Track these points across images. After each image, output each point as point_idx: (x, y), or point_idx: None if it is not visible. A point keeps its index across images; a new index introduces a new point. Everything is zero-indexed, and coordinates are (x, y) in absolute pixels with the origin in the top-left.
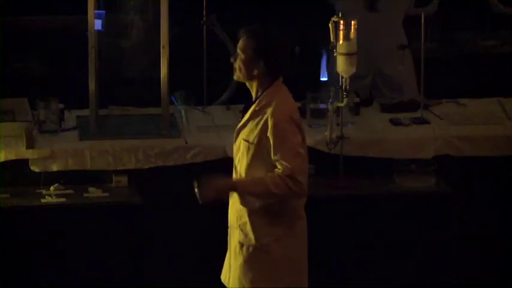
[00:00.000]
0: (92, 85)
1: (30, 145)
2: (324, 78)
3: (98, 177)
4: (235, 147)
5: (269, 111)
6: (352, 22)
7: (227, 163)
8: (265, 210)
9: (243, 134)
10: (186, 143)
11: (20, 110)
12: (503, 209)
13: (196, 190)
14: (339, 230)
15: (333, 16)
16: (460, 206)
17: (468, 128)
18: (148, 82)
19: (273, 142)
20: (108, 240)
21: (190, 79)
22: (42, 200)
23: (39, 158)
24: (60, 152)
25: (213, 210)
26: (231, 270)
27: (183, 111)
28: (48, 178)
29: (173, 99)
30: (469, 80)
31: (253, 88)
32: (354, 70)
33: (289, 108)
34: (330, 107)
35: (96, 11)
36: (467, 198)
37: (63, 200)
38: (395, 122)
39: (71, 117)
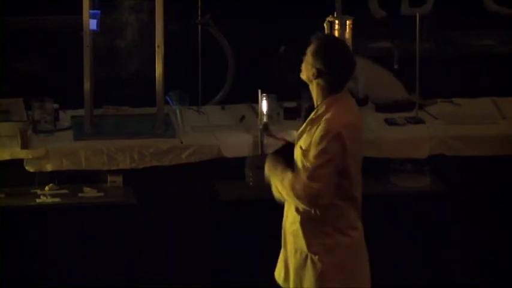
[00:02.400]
0: (86, 85)
1: (25, 145)
2: None
3: (93, 177)
4: (295, 152)
5: (323, 120)
6: (348, 22)
7: (222, 163)
8: (317, 218)
9: (301, 141)
10: (181, 142)
11: (14, 110)
12: (499, 208)
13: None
14: None
15: (327, 16)
16: (455, 206)
17: (463, 127)
18: (143, 82)
19: (315, 149)
20: (103, 240)
21: (185, 79)
22: (37, 200)
23: (34, 158)
24: (55, 152)
25: (209, 210)
26: (290, 270)
27: (178, 111)
28: (43, 178)
29: (168, 99)
30: (464, 80)
31: (313, 94)
32: None
33: (342, 119)
34: None
35: (91, 11)
36: (463, 197)
37: (58, 200)
38: (390, 122)
39: (65, 117)
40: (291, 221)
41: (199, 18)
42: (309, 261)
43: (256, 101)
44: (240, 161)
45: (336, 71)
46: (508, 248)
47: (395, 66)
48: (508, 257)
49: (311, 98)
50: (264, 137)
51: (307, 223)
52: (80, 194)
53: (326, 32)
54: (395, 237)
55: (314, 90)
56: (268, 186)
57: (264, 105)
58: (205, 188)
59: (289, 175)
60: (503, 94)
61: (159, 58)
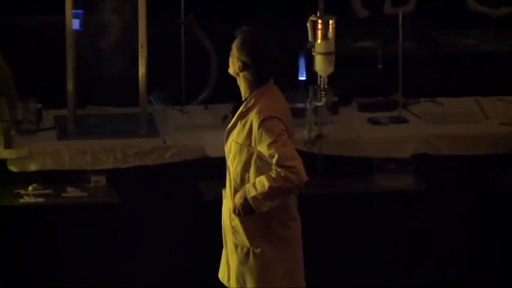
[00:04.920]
0: (69, 85)
1: (8, 145)
2: (302, 78)
3: (76, 177)
4: (226, 148)
5: (253, 112)
6: (330, 21)
7: (206, 163)
8: (257, 213)
9: (233, 135)
10: (165, 142)
11: None
12: (481, 207)
13: None
14: (316, 229)
15: (310, 15)
16: (437, 205)
17: (446, 127)
18: (127, 82)
19: (259, 141)
20: (87, 240)
21: (168, 79)
22: (21, 200)
23: (17, 158)
24: (38, 152)
25: (193, 210)
26: (230, 269)
27: (161, 111)
28: (26, 178)
29: (151, 99)
30: (446, 79)
31: (242, 88)
32: (332, 69)
33: (273, 108)
34: (308, 106)
35: (73, 11)
36: (445, 196)
37: (41, 200)
38: (373, 121)
39: (48, 117)
40: (229, 217)
41: (182, 18)
42: (251, 256)
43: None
44: (223, 161)
45: (261, 63)
46: (489, 247)
47: (379, 66)
48: (489, 255)
49: (290, 98)
50: None
51: (246, 217)
52: (63, 194)
53: (309, 32)
54: (378, 236)
55: (241, 83)
56: None
57: None
58: (189, 187)
59: (255, 181)
60: (485, 93)
61: (142, 58)
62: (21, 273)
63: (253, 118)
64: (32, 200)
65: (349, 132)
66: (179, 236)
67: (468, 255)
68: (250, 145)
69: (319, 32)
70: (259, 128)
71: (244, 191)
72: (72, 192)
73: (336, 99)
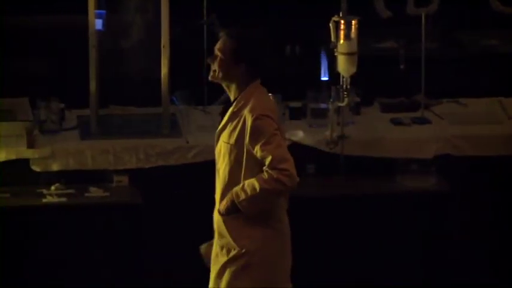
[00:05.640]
0: (92, 85)
1: (30, 145)
2: (324, 78)
3: (99, 177)
4: (216, 151)
5: (246, 111)
6: (353, 22)
7: None
8: (241, 214)
9: (224, 137)
10: (187, 142)
11: (20, 110)
12: (504, 208)
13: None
14: (339, 230)
15: (333, 15)
16: (460, 205)
17: (469, 127)
18: (149, 82)
19: (252, 141)
20: (109, 240)
21: (190, 79)
22: (43, 200)
23: (40, 157)
24: (60, 152)
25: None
26: (216, 269)
27: (183, 111)
28: (49, 178)
29: (174, 99)
30: (469, 80)
31: (230, 90)
32: (354, 70)
33: (265, 106)
34: (330, 106)
35: (96, 11)
36: (468, 197)
37: (63, 199)
38: (396, 122)
39: (71, 116)
40: (216, 219)
41: (204, 18)
42: (236, 256)
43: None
44: None
45: (252, 63)
46: None
47: (401, 66)
48: None
49: (312, 98)
50: None
51: (230, 218)
52: (85, 194)
53: (332, 33)
54: (400, 237)
55: (230, 85)
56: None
57: None
58: (211, 187)
59: (245, 184)
60: (509, 94)
61: (165, 58)
62: (44, 273)
63: (246, 116)
64: (55, 199)
65: (372, 132)
66: (201, 236)
67: (492, 256)
68: (242, 144)
69: (342, 32)
70: (252, 126)
71: (232, 194)
72: (94, 192)
73: (358, 99)
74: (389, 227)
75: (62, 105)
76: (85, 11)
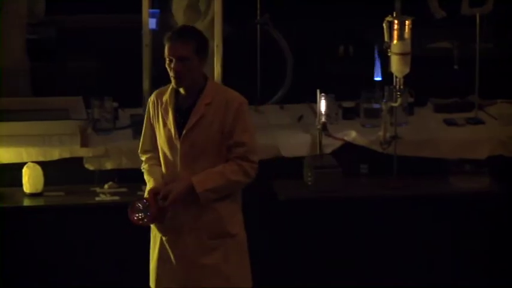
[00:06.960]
0: (145, 84)
1: (84, 143)
2: (377, 78)
3: None
4: (182, 152)
5: (225, 99)
6: (407, 22)
7: (280, 162)
8: (230, 200)
9: (201, 134)
10: None
11: (74, 109)
12: None
13: (138, 215)
14: (392, 230)
15: (387, 15)
16: None
17: None
18: None
19: (234, 125)
20: None
21: (243, 78)
22: (96, 198)
23: (94, 156)
24: (114, 151)
25: (267, 209)
26: (202, 270)
27: None
28: (103, 176)
29: None
30: None
31: (190, 89)
32: (407, 70)
33: (236, 94)
34: (383, 106)
35: (150, 10)
36: None
37: (117, 198)
38: (449, 122)
39: (124, 115)
40: (196, 214)
41: (258, 18)
42: (234, 243)
43: (314, 101)
44: (297, 161)
45: (207, 56)
46: None
47: (455, 67)
48: None
49: (365, 98)
50: (322, 136)
51: (223, 206)
52: (138, 193)
53: (385, 33)
54: (454, 238)
55: (193, 84)
56: (328, 187)
57: (322, 105)
58: (263, 187)
59: (212, 173)
60: None
61: (218, 58)
62: (102, 269)
63: (228, 103)
64: (108, 198)
65: (425, 133)
66: (254, 235)
67: None
68: (221, 131)
69: (396, 33)
70: (240, 109)
71: (192, 182)
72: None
73: (411, 100)
74: (442, 228)
75: (116, 104)
76: (138, 11)
